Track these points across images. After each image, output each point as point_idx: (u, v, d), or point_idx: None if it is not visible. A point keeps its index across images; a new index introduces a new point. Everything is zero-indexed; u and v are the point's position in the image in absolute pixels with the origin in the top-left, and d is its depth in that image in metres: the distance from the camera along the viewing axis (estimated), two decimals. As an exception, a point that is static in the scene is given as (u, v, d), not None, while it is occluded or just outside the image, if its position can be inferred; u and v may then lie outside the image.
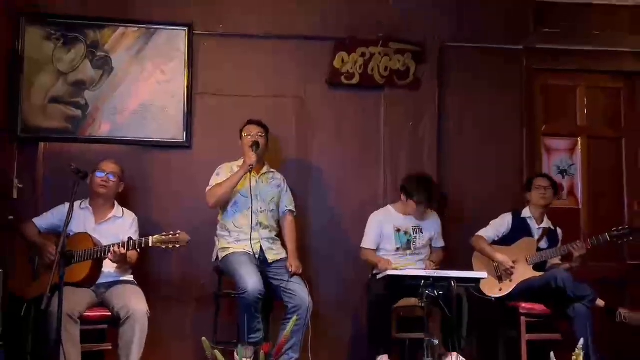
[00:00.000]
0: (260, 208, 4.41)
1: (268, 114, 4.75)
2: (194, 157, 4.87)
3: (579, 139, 5.48)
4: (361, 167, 5.06)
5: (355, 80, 5.03)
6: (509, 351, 4.59)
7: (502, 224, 4.74)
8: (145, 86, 4.86)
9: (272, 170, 4.61)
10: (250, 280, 4.02)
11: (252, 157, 4.31)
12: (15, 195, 4.59)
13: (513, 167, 5.18)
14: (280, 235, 4.54)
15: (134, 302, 3.89)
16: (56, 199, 4.25)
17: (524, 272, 4.56)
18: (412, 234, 4.60)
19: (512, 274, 4.55)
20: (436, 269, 4.41)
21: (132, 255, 4.13)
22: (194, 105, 4.89)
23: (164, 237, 3.89)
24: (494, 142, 5.18)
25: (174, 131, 4.87)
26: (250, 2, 5.02)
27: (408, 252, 4.58)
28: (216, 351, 2.92)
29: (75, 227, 4.05)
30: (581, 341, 3.04)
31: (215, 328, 4.40)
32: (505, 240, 4.70)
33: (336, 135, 5.06)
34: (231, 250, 4.33)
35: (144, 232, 4.23)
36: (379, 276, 4.36)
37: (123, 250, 3.91)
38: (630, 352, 4.84)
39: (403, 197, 4.63)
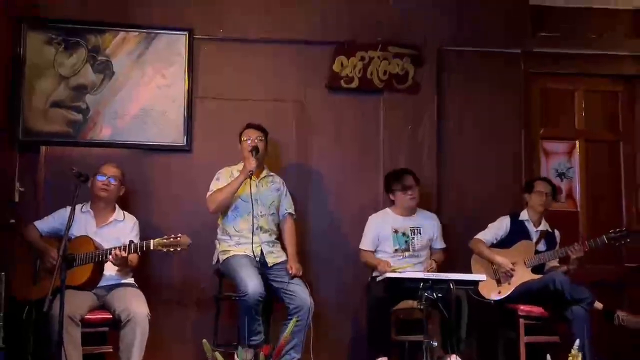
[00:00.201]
0: (261, 212, 4.42)
1: (268, 117, 4.77)
2: (194, 161, 4.88)
3: (577, 142, 5.49)
4: (361, 171, 5.07)
5: (354, 84, 5.04)
6: (507, 353, 4.59)
7: (500, 226, 4.74)
8: (146, 90, 4.88)
9: (272, 173, 4.62)
10: (251, 283, 4.04)
11: (252, 163, 4.31)
12: (16, 199, 4.61)
13: (512, 170, 5.18)
14: (280, 239, 4.54)
15: (134, 305, 3.91)
16: (57, 203, 4.27)
17: (523, 275, 4.56)
18: (410, 235, 4.61)
19: (511, 276, 4.56)
20: (435, 270, 4.43)
21: (133, 258, 4.14)
22: (194, 109, 4.91)
23: (165, 241, 3.91)
24: (493, 144, 5.19)
25: (174, 135, 4.88)
26: (250, 6, 5.03)
27: (407, 253, 4.59)
28: (217, 353, 2.94)
29: (76, 231, 4.07)
30: (577, 342, 3.05)
31: (216, 330, 4.39)
32: (504, 243, 4.72)
33: (336, 139, 5.07)
34: (232, 253, 4.34)
35: (144, 235, 4.25)
36: (378, 278, 4.39)
37: (124, 254, 3.92)
38: (628, 354, 4.85)
39: (391, 196, 4.68)
